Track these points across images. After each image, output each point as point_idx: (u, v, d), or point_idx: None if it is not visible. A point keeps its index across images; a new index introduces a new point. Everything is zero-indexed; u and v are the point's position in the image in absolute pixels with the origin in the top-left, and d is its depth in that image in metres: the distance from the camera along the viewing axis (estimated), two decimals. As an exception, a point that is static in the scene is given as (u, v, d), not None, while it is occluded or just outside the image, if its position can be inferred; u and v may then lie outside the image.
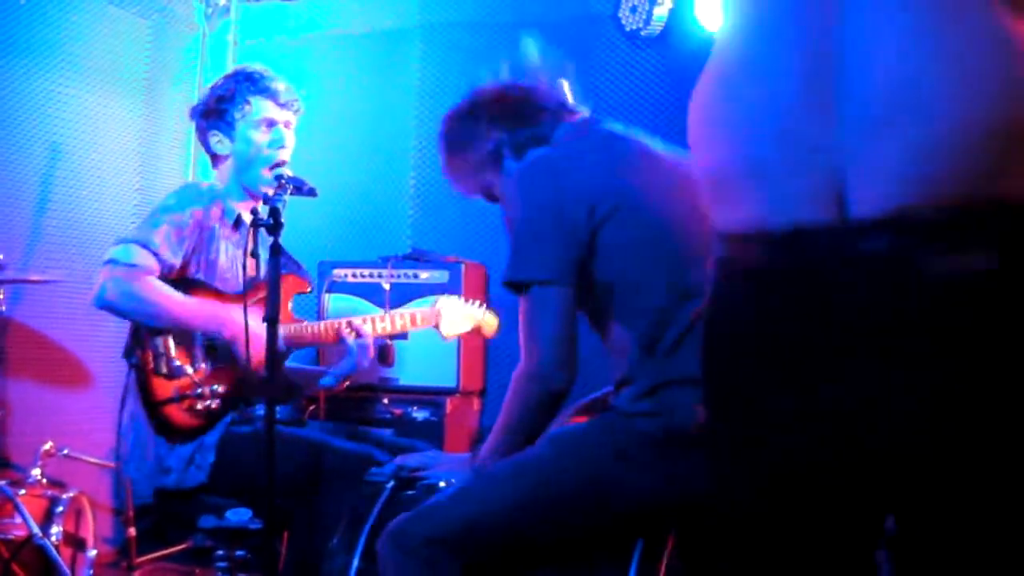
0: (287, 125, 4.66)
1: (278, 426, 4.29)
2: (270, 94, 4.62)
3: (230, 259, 4.53)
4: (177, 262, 4.33)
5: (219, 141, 4.59)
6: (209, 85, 4.81)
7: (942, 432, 1.86)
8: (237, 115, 4.56)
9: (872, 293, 1.86)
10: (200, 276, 4.45)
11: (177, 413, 4.29)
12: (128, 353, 4.39)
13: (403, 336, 5.68)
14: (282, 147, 4.61)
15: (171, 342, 4.33)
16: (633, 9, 6.01)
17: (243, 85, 4.60)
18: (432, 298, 5.34)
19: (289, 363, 4.78)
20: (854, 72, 1.86)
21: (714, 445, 2.20)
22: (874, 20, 1.86)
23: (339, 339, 4.61)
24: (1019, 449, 1.83)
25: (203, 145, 4.70)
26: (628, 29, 6.03)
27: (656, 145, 3.35)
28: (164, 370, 4.30)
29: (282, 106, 4.65)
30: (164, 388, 4.30)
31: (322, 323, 4.71)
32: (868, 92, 1.85)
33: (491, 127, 3.41)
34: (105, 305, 4.30)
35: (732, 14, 2.11)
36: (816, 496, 2.00)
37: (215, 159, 4.66)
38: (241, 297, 4.30)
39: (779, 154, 1.94)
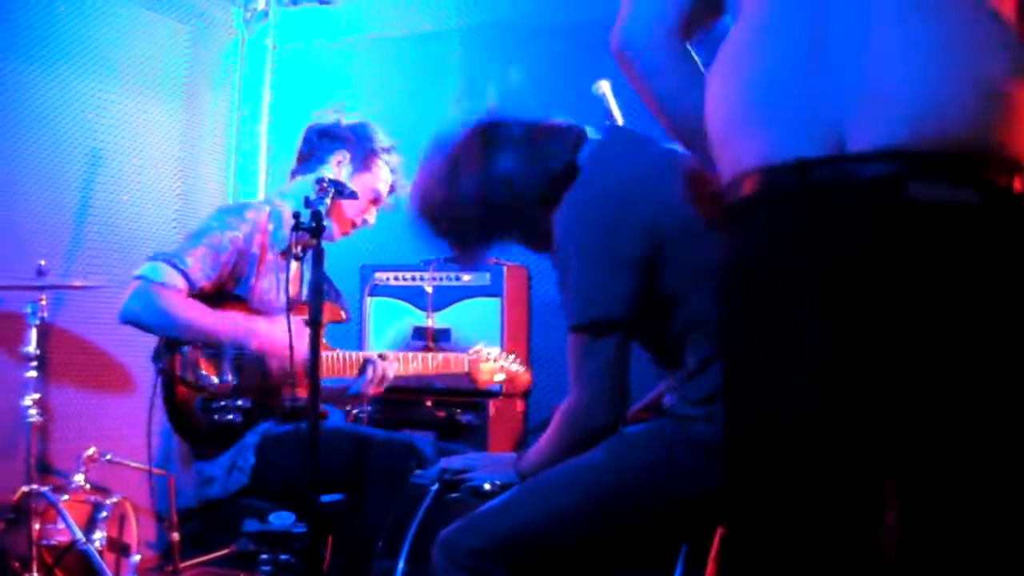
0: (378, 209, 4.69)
1: (324, 424, 4.29)
2: (394, 171, 4.65)
3: (271, 283, 4.51)
4: (208, 284, 4.31)
5: (340, 161, 4.57)
6: (364, 121, 4.79)
7: (923, 365, 2.06)
8: (376, 172, 4.58)
9: (867, 216, 2.05)
10: (239, 293, 4.43)
11: (199, 423, 4.28)
12: (157, 357, 4.37)
13: (446, 337, 5.66)
14: (364, 222, 4.64)
15: (200, 352, 4.31)
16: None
17: (393, 155, 4.62)
18: (475, 300, 5.36)
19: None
20: (850, 42, 2.11)
21: (728, 376, 2.36)
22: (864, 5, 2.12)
23: (363, 365, 4.60)
24: (995, 379, 2.03)
25: (314, 147, 4.65)
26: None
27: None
28: (190, 378, 4.28)
29: (389, 194, 4.68)
30: (189, 396, 4.29)
31: (353, 354, 4.68)
32: (860, 55, 2.09)
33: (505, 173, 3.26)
34: (129, 319, 4.30)
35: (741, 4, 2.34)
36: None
37: (309, 167, 4.62)
38: (271, 316, 4.32)
39: (782, 103, 2.17)
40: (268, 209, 4.50)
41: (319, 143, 4.64)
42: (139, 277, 4.27)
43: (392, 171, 4.67)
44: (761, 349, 2.22)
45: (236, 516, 4.36)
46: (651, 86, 2.60)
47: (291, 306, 4.28)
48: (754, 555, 2.27)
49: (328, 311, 4.69)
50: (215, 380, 4.30)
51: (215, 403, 4.29)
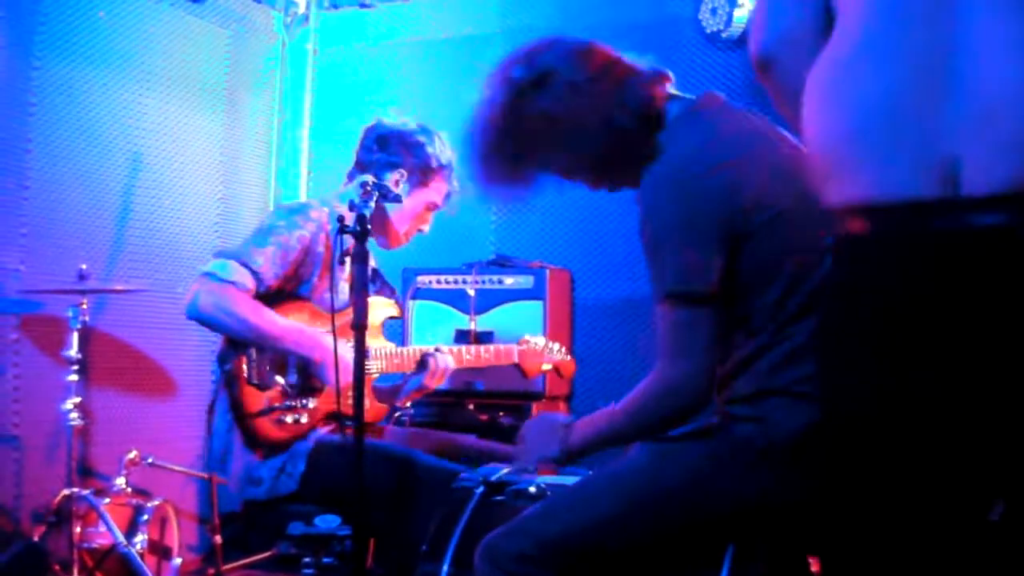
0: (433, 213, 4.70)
1: (372, 440, 4.27)
2: (451, 182, 4.64)
3: (338, 280, 4.50)
4: (276, 283, 4.30)
5: (399, 180, 4.56)
6: (432, 132, 4.75)
7: None
8: (433, 186, 4.57)
9: (983, 265, 1.94)
10: (301, 293, 4.42)
11: (266, 424, 4.26)
12: (223, 359, 4.35)
13: (489, 340, 5.64)
14: (420, 230, 4.64)
15: (266, 353, 4.30)
16: (713, 11, 5.96)
17: (450, 162, 4.60)
18: (518, 303, 5.35)
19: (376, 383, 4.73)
20: (965, 69, 1.96)
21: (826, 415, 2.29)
22: (985, 24, 1.96)
23: (423, 359, 4.58)
24: None
25: (374, 158, 4.63)
26: (708, 31, 6.00)
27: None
28: (256, 379, 4.27)
29: (446, 199, 4.67)
30: (255, 398, 4.27)
31: (410, 348, 4.67)
32: (979, 87, 1.94)
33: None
34: (196, 316, 4.27)
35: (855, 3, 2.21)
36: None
37: (363, 171, 4.61)
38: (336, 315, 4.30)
39: (890, 133, 2.04)
40: (327, 210, 4.50)
41: (378, 156, 4.61)
42: (207, 274, 4.25)
43: (450, 178, 4.65)
44: (863, 387, 2.16)
45: (278, 519, 4.35)
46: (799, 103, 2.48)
47: (344, 305, 4.29)
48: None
49: (383, 306, 4.69)
50: (281, 380, 4.28)
51: (281, 404, 4.28)
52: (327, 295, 4.42)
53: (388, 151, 4.60)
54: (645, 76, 3.14)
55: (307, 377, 4.33)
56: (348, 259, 3.94)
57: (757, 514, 2.94)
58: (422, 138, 4.62)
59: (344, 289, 4.47)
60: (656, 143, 3.02)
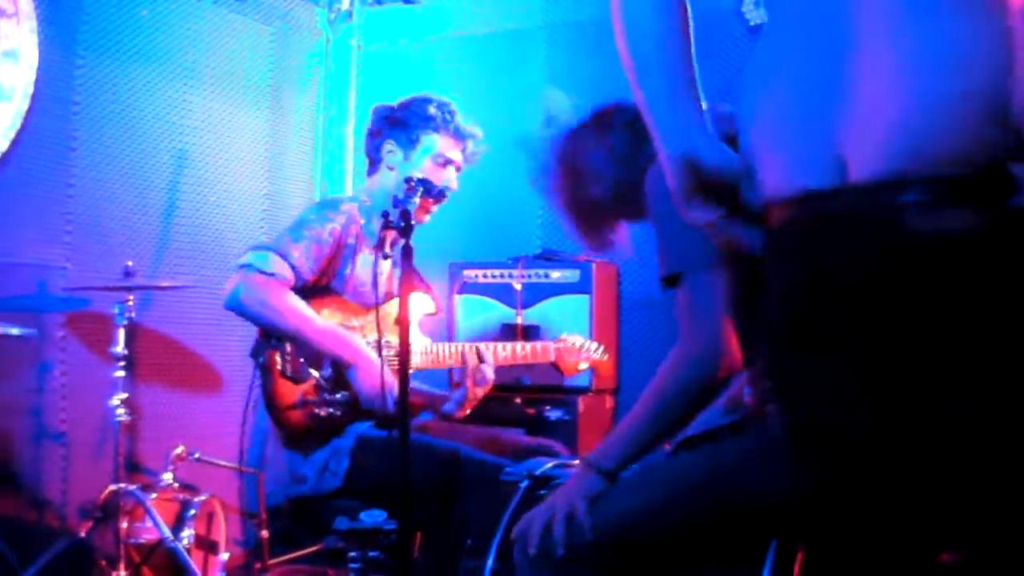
0: (457, 169, 4.65)
1: (419, 436, 4.27)
2: (461, 137, 4.62)
3: (368, 274, 4.49)
4: (312, 276, 4.32)
5: (391, 152, 4.57)
6: (407, 99, 4.78)
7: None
8: (423, 139, 4.55)
9: (865, 248, 2.06)
10: (334, 286, 4.43)
11: (300, 418, 4.28)
12: (256, 352, 4.37)
13: (535, 334, 5.63)
14: (449, 189, 4.59)
15: (299, 346, 4.31)
16: (756, 3, 5.95)
17: (444, 116, 4.59)
18: (563, 298, 5.35)
19: (416, 384, 4.72)
20: (853, 70, 2.09)
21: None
22: (872, 45, 2.08)
23: (463, 362, 4.58)
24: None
25: (371, 147, 4.67)
26: (752, 24, 5.97)
27: None
28: (290, 372, 4.28)
29: (464, 152, 4.65)
30: (289, 391, 4.29)
31: (451, 346, 4.67)
32: (865, 82, 2.07)
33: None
34: (235, 307, 4.31)
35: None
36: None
37: (375, 165, 4.64)
38: (371, 309, 4.29)
39: (795, 132, 2.16)
40: (357, 204, 4.51)
41: (371, 145, 4.65)
42: (247, 265, 4.28)
43: (446, 130, 4.62)
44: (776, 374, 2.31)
45: (325, 514, 4.34)
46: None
47: (383, 301, 4.29)
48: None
49: (420, 302, 4.69)
50: (316, 374, 4.29)
51: (315, 397, 4.28)
52: (361, 288, 4.43)
53: (374, 131, 4.63)
54: None
55: (341, 372, 4.33)
56: (383, 258, 3.95)
57: (796, 508, 2.92)
58: (399, 104, 4.65)
59: (386, 277, 4.48)
60: None
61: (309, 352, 4.31)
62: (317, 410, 4.28)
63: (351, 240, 4.44)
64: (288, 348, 4.30)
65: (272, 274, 4.23)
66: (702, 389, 2.92)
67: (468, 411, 4.70)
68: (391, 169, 4.55)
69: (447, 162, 4.61)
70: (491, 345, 4.73)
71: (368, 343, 4.36)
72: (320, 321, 4.31)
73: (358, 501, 4.28)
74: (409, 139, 4.57)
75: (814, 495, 2.30)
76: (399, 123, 4.59)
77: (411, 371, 4.43)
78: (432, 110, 4.59)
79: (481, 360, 4.64)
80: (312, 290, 4.39)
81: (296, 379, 4.28)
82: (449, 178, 4.64)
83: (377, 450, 4.25)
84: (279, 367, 4.30)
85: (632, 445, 2.98)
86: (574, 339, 4.98)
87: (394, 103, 4.72)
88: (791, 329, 2.20)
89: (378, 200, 4.56)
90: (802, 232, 2.15)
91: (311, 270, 4.32)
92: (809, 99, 2.15)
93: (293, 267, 4.26)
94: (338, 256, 4.41)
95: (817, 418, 2.18)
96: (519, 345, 4.84)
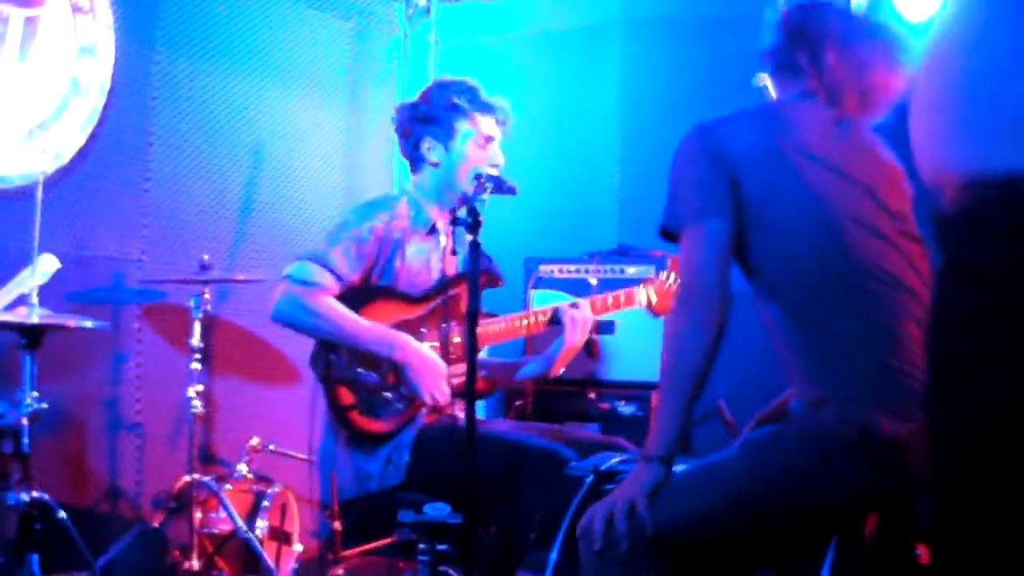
0: (494, 140, 4.63)
1: (482, 429, 4.27)
2: (491, 111, 4.58)
3: (422, 263, 4.49)
4: (356, 277, 4.32)
5: (431, 148, 4.55)
6: (425, 89, 4.75)
7: None
8: (459, 127, 4.53)
9: None
10: (384, 283, 4.43)
11: (365, 418, 4.28)
12: (314, 362, 4.39)
13: (610, 329, 5.62)
14: (496, 165, 4.56)
15: (354, 350, 4.32)
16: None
17: (467, 97, 4.56)
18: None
19: (485, 357, 4.71)
20: None
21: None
22: None
23: (552, 322, 4.54)
24: None
25: (408, 148, 4.65)
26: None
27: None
28: (349, 376, 4.29)
29: (500, 123, 4.62)
30: (348, 394, 4.29)
31: (527, 313, 4.64)
32: None
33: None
34: (280, 319, 4.35)
35: None
36: None
37: (417, 163, 4.63)
38: (424, 301, 4.30)
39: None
40: (405, 198, 4.52)
41: (407, 145, 4.64)
42: (287, 277, 4.31)
43: (476, 110, 4.60)
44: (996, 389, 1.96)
45: (395, 508, 4.36)
46: None
47: (447, 284, 4.30)
48: None
49: (484, 279, 4.67)
50: (374, 375, 4.30)
51: (376, 397, 4.29)
52: (417, 278, 4.44)
53: (405, 131, 4.62)
54: None
55: (398, 368, 4.33)
56: (451, 254, 3.95)
57: (857, 505, 2.92)
58: (421, 99, 4.63)
59: (434, 271, 4.48)
60: None
61: (363, 354, 4.32)
62: (380, 409, 4.29)
63: (397, 234, 4.42)
64: (343, 353, 4.31)
65: (312, 283, 4.25)
66: (704, 332, 2.93)
67: (564, 366, 4.65)
68: (436, 165, 4.53)
69: (488, 140, 4.57)
70: (585, 301, 4.67)
71: (425, 335, 4.36)
72: (365, 323, 4.30)
73: (419, 493, 4.29)
74: (444, 132, 4.54)
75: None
76: (429, 119, 4.57)
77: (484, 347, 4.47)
78: (456, 97, 4.57)
79: (574, 307, 4.59)
80: (365, 290, 4.40)
81: (354, 382, 4.29)
82: (495, 153, 4.61)
83: (438, 442, 4.25)
84: (336, 374, 4.31)
85: (670, 423, 2.97)
86: (661, 276, 4.88)
87: (414, 99, 4.70)
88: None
89: (427, 194, 4.56)
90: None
91: (353, 271, 4.32)
92: None
93: (333, 271, 4.27)
94: (384, 251, 4.41)
95: None
96: (610, 295, 4.76)
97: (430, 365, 4.26)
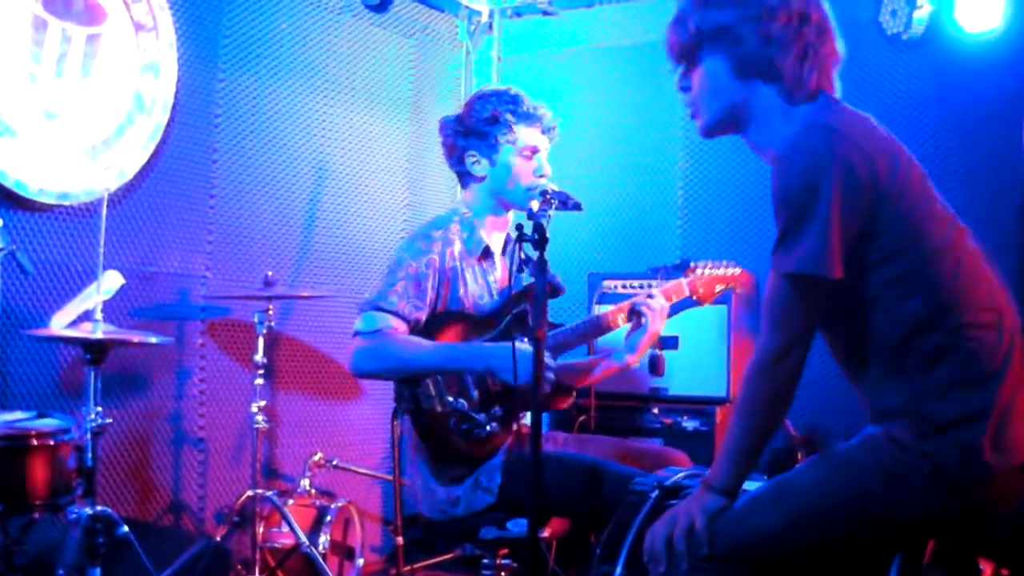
0: (538, 151, 4.60)
1: (558, 451, 4.26)
2: (536, 121, 4.55)
3: (482, 286, 4.47)
4: (422, 314, 4.28)
5: (476, 162, 4.52)
6: (467, 102, 4.72)
7: None
8: (502, 139, 4.50)
9: None
10: (453, 310, 4.40)
11: (460, 445, 4.24)
12: (399, 399, 4.34)
13: (674, 344, 5.60)
14: (542, 176, 4.53)
15: (440, 379, 4.28)
16: (893, 13, 5.88)
17: (508, 108, 4.53)
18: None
19: (557, 363, 4.68)
20: None
21: None
22: None
23: (631, 315, 4.52)
24: None
25: (453, 163, 4.62)
26: (889, 33, 5.92)
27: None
28: (439, 408, 4.25)
29: (545, 132, 4.59)
30: (442, 424, 4.25)
31: (599, 315, 4.61)
32: None
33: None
34: (359, 374, 4.34)
35: None
36: None
37: (464, 178, 4.60)
38: (493, 320, 4.29)
39: None
40: (457, 219, 4.48)
41: (453, 160, 4.61)
42: (355, 333, 4.29)
43: (519, 122, 4.57)
44: None
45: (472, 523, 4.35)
46: None
47: (513, 300, 4.28)
48: None
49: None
50: (463, 401, 4.26)
51: (470, 424, 4.25)
52: (480, 302, 4.41)
53: (449, 145, 4.59)
54: None
55: (487, 389, 4.31)
56: (517, 271, 3.92)
57: (928, 529, 2.89)
58: (464, 112, 4.60)
59: (493, 291, 4.47)
60: None
61: (450, 381, 4.29)
62: (473, 432, 4.25)
63: (454, 263, 4.39)
64: (431, 385, 4.27)
65: (377, 331, 4.23)
66: (785, 386, 2.91)
67: (646, 351, 4.62)
68: (481, 179, 4.50)
69: (533, 150, 4.54)
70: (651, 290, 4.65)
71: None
72: (439, 346, 4.28)
73: (508, 515, 4.27)
74: (489, 145, 4.50)
75: None
76: (472, 132, 4.52)
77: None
78: (497, 108, 4.53)
79: (650, 297, 4.57)
80: (434, 321, 4.37)
81: (445, 413, 4.25)
82: (541, 164, 4.57)
83: (524, 465, 4.21)
84: (426, 406, 4.26)
85: (737, 456, 2.96)
86: (702, 266, 4.84)
87: (458, 113, 4.66)
88: None
89: (478, 211, 4.53)
90: None
91: (417, 308, 4.28)
92: None
93: (396, 314, 4.23)
94: (446, 282, 4.37)
95: None
96: (654, 290, 4.73)
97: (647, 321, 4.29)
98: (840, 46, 3.22)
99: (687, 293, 4.71)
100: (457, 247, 4.39)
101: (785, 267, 2.85)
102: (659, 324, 4.50)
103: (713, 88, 3.17)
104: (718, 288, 4.80)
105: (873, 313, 2.89)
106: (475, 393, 4.26)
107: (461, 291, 4.38)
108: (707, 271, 4.75)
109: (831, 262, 2.80)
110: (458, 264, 4.37)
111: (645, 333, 4.49)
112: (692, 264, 4.80)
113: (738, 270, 4.84)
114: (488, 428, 4.20)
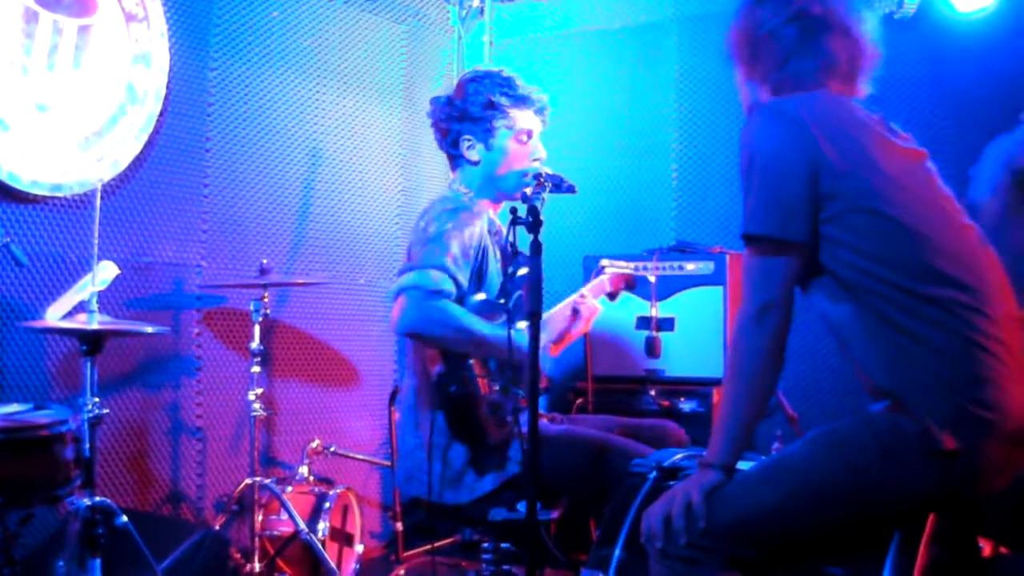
0: (533, 135, 4.59)
1: (563, 428, 4.27)
2: (530, 104, 4.54)
3: (497, 267, 4.47)
4: (466, 282, 4.24)
5: (471, 146, 4.51)
6: (457, 86, 4.70)
7: None
8: (498, 124, 4.48)
9: None
10: (473, 287, 4.39)
11: (493, 430, 4.21)
12: (446, 382, 4.28)
13: (670, 326, 5.62)
14: (537, 159, 4.52)
15: (479, 363, 4.26)
16: (891, -6, 5.91)
17: (503, 92, 4.51)
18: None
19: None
20: None
21: None
22: None
23: (575, 310, 4.54)
24: None
25: (446, 145, 4.59)
26: (882, 12, 5.91)
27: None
28: (478, 391, 4.22)
29: (539, 114, 4.58)
30: (479, 408, 4.22)
31: (559, 307, 4.62)
32: None
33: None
34: (413, 331, 4.16)
35: None
36: None
37: (457, 160, 4.58)
38: (504, 305, 4.26)
39: None
40: (465, 200, 4.46)
41: (445, 142, 4.58)
42: (411, 288, 4.17)
43: (513, 106, 4.55)
44: None
45: (481, 507, 4.35)
46: None
47: (514, 286, 4.27)
48: None
49: None
50: (496, 385, 4.24)
51: (502, 407, 4.22)
52: (494, 280, 4.40)
53: (443, 128, 4.58)
54: None
55: (511, 370, 4.28)
56: (512, 253, 3.91)
57: (925, 504, 2.90)
58: (457, 95, 4.58)
59: (499, 273, 4.45)
60: None
61: (486, 366, 4.26)
62: (504, 416, 4.22)
63: (486, 241, 4.37)
64: (473, 368, 4.23)
65: (439, 291, 4.14)
66: (769, 345, 2.93)
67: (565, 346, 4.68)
68: (476, 163, 4.48)
69: (528, 134, 4.53)
70: (588, 289, 4.69)
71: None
72: (493, 327, 4.23)
73: (519, 493, 4.26)
74: (484, 130, 4.48)
75: None
76: (467, 116, 4.50)
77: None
78: (492, 93, 4.51)
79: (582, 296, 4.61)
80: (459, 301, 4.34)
81: (481, 395, 4.22)
82: (536, 148, 4.56)
83: (544, 444, 4.19)
84: (472, 388, 4.23)
85: (730, 430, 2.98)
86: (609, 264, 4.88)
87: (450, 95, 4.63)
88: None
89: (476, 194, 4.51)
90: None
91: (464, 276, 4.24)
92: None
93: (453, 278, 4.16)
94: (479, 256, 4.34)
95: None
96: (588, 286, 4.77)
97: (555, 321, 4.31)
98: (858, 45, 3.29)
99: (608, 290, 4.78)
100: (486, 224, 4.38)
101: (741, 232, 3.00)
102: (586, 327, 4.55)
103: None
104: (620, 286, 4.88)
105: (847, 289, 2.93)
106: (509, 374, 4.24)
107: (488, 269, 4.36)
108: (614, 268, 4.82)
109: (774, 221, 2.92)
110: (488, 243, 4.36)
111: (578, 330, 4.53)
112: (603, 262, 4.86)
113: (631, 266, 4.94)
114: (515, 413, 4.18)
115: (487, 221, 4.40)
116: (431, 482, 4.25)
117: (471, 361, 4.17)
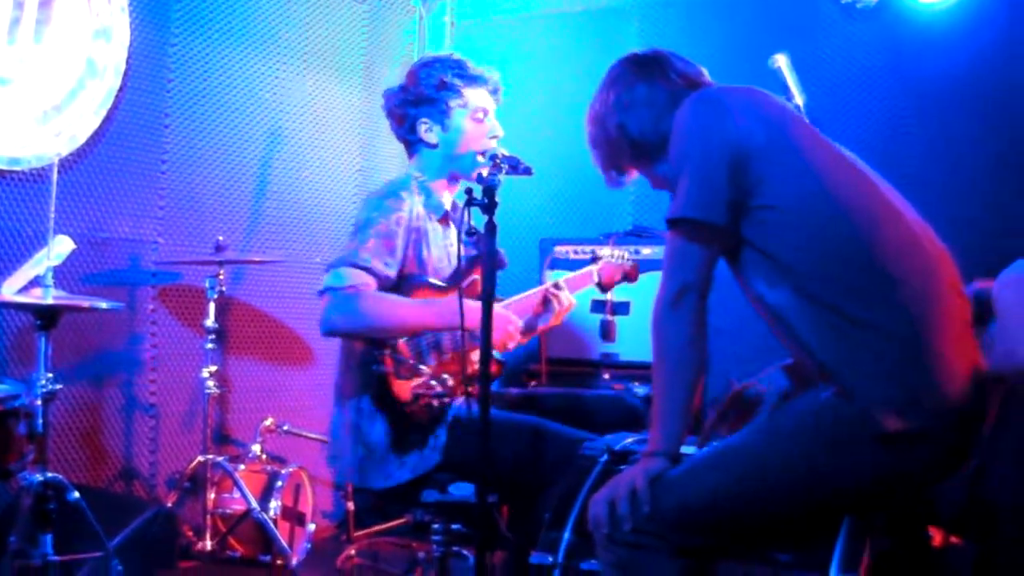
0: (489, 112, 4.60)
1: (501, 412, 4.27)
2: (482, 83, 4.55)
3: (442, 249, 4.47)
4: (393, 272, 4.23)
5: (429, 129, 4.51)
6: (408, 74, 4.74)
7: None
8: (453, 103, 4.49)
9: None
10: (417, 274, 4.39)
11: (417, 412, 4.23)
12: (367, 362, 4.29)
13: (625, 310, 5.63)
14: (495, 136, 4.53)
15: (406, 345, 4.28)
16: (849, -16, 5.94)
17: (454, 72, 4.52)
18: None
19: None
20: None
21: None
22: None
23: (546, 300, 4.55)
24: None
25: (403, 133, 4.59)
26: (843, 2, 5.94)
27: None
28: (404, 373, 4.23)
29: (492, 93, 4.58)
30: (404, 391, 4.23)
31: (531, 293, 4.64)
32: None
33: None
34: (332, 332, 4.19)
35: None
36: None
37: (414, 146, 4.58)
38: (452, 288, 4.26)
39: None
40: (414, 184, 4.47)
41: (401, 130, 4.59)
42: (326, 290, 4.20)
43: (466, 86, 4.57)
44: None
45: (414, 488, 4.37)
46: None
47: (466, 269, 4.28)
48: None
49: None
50: (424, 367, 4.25)
51: (428, 391, 4.23)
52: (439, 265, 4.40)
53: (398, 115, 4.59)
54: None
55: (441, 353, 4.31)
56: (467, 235, 3.92)
57: (873, 490, 2.91)
58: (409, 82, 4.59)
59: (451, 256, 4.45)
60: None
61: (413, 347, 4.28)
62: (430, 401, 4.23)
63: (419, 223, 4.38)
64: (399, 349, 4.25)
65: (352, 287, 4.16)
66: (692, 325, 2.97)
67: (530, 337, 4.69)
68: (434, 145, 4.49)
69: (484, 112, 4.54)
70: (564, 280, 4.71)
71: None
72: (413, 302, 4.25)
73: (454, 475, 4.29)
74: (439, 111, 4.49)
75: None
76: (422, 100, 4.51)
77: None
78: (444, 74, 4.53)
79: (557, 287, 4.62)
80: (401, 281, 4.35)
81: (409, 377, 4.23)
82: (493, 126, 4.58)
83: (467, 426, 4.22)
84: (393, 370, 4.24)
85: (666, 416, 3.01)
86: (608, 255, 4.90)
87: (402, 83, 4.64)
88: None
89: (432, 176, 4.51)
90: None
91: (388, 265, 4.24)
92: None
93: (368, 270, 4.16)
94: (412, 242, 4.35)
95: None
96: (565, 277, 4.80)
97: (502, 318, 4.27)
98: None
99: (595, 281, 4.79)
100: (420, 209, 4.38)
101: (665, 216, 3.06)
102: (557, 321, 4.56)
103: None
104: (617, 278, 4.89)
105: (785, 272, 2.94)
106: (433, 361, 4.27)
107: (425, 253, 4.34)
108: (612, 260, 4.82)
109: (694, 204, 2.97)
110: (423, 225, 4.36)
111: (547, 323, 4.54)
112: (598, 253, 4.87)
113: (634, 264, 4.96)
114: (441, 399, 4.20)
115: (428, 204, 4.41)
116: (343, 468, 4.29)
117: (398, 343, 4.19)
